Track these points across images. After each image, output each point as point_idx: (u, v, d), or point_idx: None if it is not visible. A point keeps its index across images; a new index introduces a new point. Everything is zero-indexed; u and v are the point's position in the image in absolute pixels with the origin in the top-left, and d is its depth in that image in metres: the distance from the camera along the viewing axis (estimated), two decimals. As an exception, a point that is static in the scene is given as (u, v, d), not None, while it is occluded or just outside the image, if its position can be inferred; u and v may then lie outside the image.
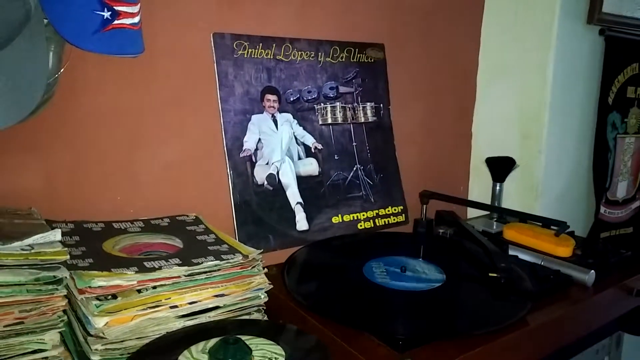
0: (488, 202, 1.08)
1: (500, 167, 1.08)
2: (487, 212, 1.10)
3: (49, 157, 0.71)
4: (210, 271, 0.62)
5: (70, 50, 0.65)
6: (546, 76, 1.05)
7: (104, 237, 0.69)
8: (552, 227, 0.89)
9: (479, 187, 1.21)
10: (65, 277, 0.52)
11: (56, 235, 0.52)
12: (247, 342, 0.54)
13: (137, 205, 0.78)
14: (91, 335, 0.54)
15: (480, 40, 1.17)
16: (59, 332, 0.51)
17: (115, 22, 0.62)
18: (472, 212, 1.18)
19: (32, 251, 0.49)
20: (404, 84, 1.05)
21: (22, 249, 0.49)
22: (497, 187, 1.08)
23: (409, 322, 0.65)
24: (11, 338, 0.48)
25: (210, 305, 0.61)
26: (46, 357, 0.50)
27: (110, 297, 0.55)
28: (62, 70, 0.65)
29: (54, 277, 0.50)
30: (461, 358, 0.58)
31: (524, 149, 1.11)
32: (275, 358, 0.52)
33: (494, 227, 1.03)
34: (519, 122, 1.11)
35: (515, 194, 1.13)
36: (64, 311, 0.58)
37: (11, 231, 0.53)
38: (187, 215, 0.80)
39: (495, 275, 0.73)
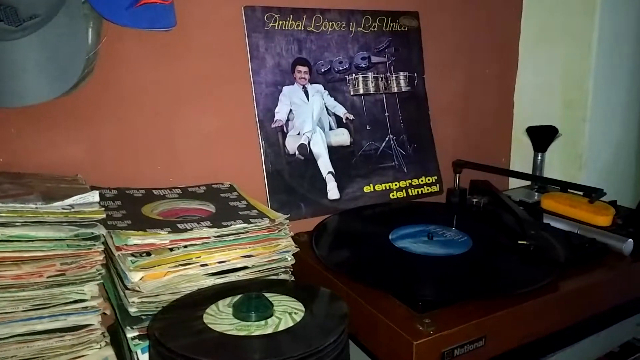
0: (530, 173, 1.06)
1: (542, 137, 1.05)
2: (529, 183, 1.08)
3: (92, 129, 0.75)
4: (238, 233, 0.65)
5: (107, 27, 0.70)
6: (591, 41, 1.00)
7: (144, 202, 0.73)
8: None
9: (521, 158, 1.18)
10: (102, 235, 0.56)
11: (94, 196, 0.57)
12: (271, 299, 0.57)
13: (176, 174, 0.83)
14: (128, 289, 0.58)
15: (522, 5, 1.13)
16: (97, 285, 0.56)
17: (147, -3, 0.65)
18: (513, 183, 1.16)
19: (72, 210, 0.54)
20: (439, 52, 1.04)
21: (63, 208, 0.54)
22: (539, 157, 1.06)
23: (430, 285, 0.66)
24: (54, 288, 0.53)
25: (239, 265, 0.65)
26: (86, 307, 0.54)
27: (144, 254, 0.59)
28: (100, 45, 0.69)
29: (92, 233, 0.55)
30: (481, 320, 0.59)
31: (567, 117, 1.07)
32: (295, 312, 0.55)
33: (535, 197, 1.01)
34: (562, 89, 1.07)
35: (558, 165, 1.10)
36: (108, 269, 0.64)
37: (56, 194, 0.57)
38: (222, 184, 0.83)
39: (524, 242, 0.72)
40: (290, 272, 0.69)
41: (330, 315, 0.55)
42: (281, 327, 0.52)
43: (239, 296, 0.57)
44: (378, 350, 0.62)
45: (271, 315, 0.54)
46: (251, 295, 0.55)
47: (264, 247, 0.66)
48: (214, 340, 0.50)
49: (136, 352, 0.58)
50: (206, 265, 0.62)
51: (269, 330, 0.51)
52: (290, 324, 0.53)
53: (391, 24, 0.96)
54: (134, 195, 0.76)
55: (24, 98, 0.63)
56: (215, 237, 0.63)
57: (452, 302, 0.61)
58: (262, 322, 0.53)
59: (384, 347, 0.60)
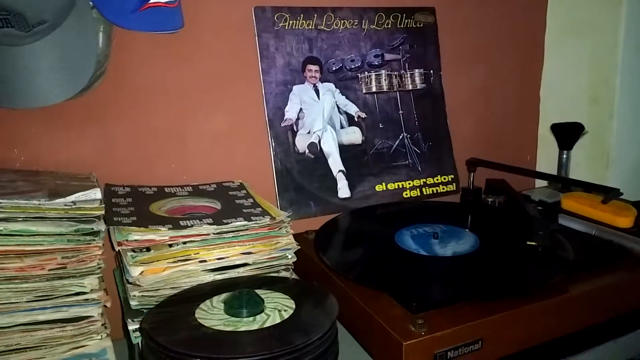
0: (555, 172, 1.02)
1: (567, 134, 1.02)
2: (553, 182, 1.04)
3: (106, 128, 0.78)
4: (237, 230, 0.66)
5: (118, 29, 0.72)
6: (618, 35, 0.96)
7: (154, 200, 0.75)
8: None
9: (547, 156, 1.14)
10: (102, 230, 0.58)
11: (96, 193, 0.59)
12: (264, 296, 0.58)
13: (189, 172, 0.85)
14: (130, 283, 0.61)
15: (547, -2, 1.09)
16: (98, 278, 0.58)
17: (151, 1, 0.67)
18: (540, 182, 1.12)
19: (74, 207, 0.56)
20: (458, 48, 1.02)
21: (65, 205, 0.56)
22: (564, 156, 1.02)
23: (428, 285, 0.65)
24: (55, 280, 0.55)
25: (238, 262, 0.66)
26: (87, 299, 0.57)
27: (144, 249, 0.61)
28: (111, 47, 0.72)
29: (92, 229, 0.57)
30: (477, 322, 0.57)
31: (593, 114, 1.03)
32: (285, 309, 0.56)
33: (557, 197, 0.98)
34: (588, 85, 1.03)
35: (584, 163, 1.06)
36: (119, 263, 0.66)
37: (63, 191, 0.60)
38: (233, 182, 0.85)
39: (533, 243, 0.70)
40: (291, 270, 0.70)
41: (319, 314, 0.55)
42: (268, 324, 0.53)
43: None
44: (374, 350, 0.62)
45: (261, 312, 0.55)
46: (242, 291, 0.56)
47: (264, 245, 0.67)
48: (201, 335, 0.51)
49: (137, 344, 0.61)
50: (205, 261, 0.64)
51: (255, 327, 0.52)
52: (277, 320, 0.53)
53: (406, 21, 0.95)
54: (146, 193, 0.78)
55: (37, 100, 0.66)
56: (214, 234, 0.65)
57: (449, 303, 0.60)
58: (251, 319, 0.54)
59: (378, 347, 0.60)
